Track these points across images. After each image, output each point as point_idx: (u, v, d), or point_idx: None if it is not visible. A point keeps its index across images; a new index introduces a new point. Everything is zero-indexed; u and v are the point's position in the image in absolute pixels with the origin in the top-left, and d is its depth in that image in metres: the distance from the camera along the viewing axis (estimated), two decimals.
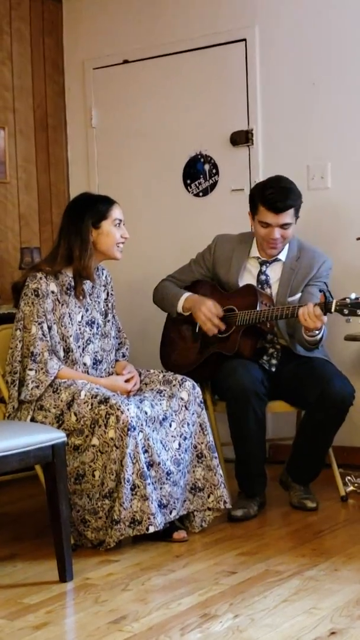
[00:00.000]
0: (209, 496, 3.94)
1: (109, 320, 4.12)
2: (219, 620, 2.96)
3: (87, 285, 4.02)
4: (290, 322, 4.28)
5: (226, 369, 4.21)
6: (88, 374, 3.96)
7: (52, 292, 3.90)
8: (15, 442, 3.31)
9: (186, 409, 3.92)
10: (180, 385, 3.95)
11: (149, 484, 3.65)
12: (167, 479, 3.77)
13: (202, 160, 5.40)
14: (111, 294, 4.17)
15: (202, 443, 3.95)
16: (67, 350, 3.93)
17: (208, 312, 4.31)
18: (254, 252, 4.42)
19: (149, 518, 3.63)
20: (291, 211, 4.25)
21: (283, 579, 3.34)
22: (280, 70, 5.12)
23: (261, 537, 3.90)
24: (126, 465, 3.62)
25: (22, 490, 4.71)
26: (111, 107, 5.73)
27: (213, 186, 5.38)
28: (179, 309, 4.46)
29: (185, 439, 3.89)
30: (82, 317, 3.99)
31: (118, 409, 3.65)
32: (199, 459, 3.94)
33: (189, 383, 3.97)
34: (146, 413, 3.76)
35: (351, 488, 4.46)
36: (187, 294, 4.46)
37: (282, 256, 4.37)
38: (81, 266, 3.93)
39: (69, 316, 3.94)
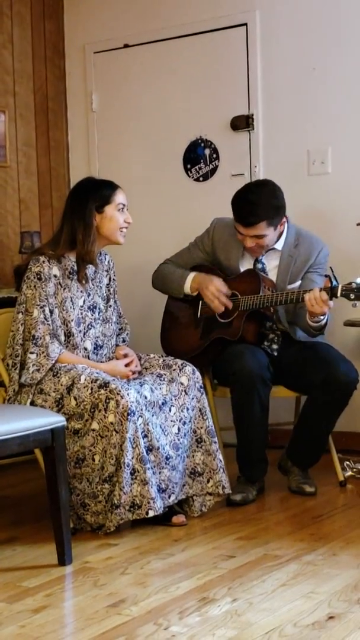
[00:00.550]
0: (208, 481, 3.95)
1: (110, 306, 4.12)
2: (217, 604, 2.97)
3: (89, 269, 4.01)
4: (290, 309, 4.27)
5: (231, 353, 4.19)
6: (89, 358, 3.96)
7: (55, 275, 3.89)
8: (15, 425, 3.31)
9: (186, 393, 3.92)
10: (180, 370, 3.96)
11: (148, 468, 3.66)
12: (166, 463, 3.78)
13: (202, 145, 5.39)
14: (113, 279, 4.16)
15: (201, 428, 3.96)
16: (68, 335, 3.93)
17: (215, 291, 4.29)
18: None
19: (148, 502, 3.64)
20: (262, 224, 4.16)
21: (281, 563, 3.35)
22: (280, 55, 5.11)
23: (260, 522, 3.91)
24: (126, 449, 3.63)
25: (22, 474, 4.72)
26: (112, 91, 5.72)
27: (213, 171, 5.37)
28: (186, 289, 4.43)
29: (184, 423, 3.89)
30: (83, 301, 3.98)
31: (118, 394, 3.65)
32: (199, 443, 3.95)
33: (189, 368, 3.97)
34: (146, 397, 3.76)
35: (350, 473, 4.47)
36: (193, 273, 4.42)
37: (279, 245, 4.33)
38: (84, 251, 3.93)
39: (71, 300, 3.93)
